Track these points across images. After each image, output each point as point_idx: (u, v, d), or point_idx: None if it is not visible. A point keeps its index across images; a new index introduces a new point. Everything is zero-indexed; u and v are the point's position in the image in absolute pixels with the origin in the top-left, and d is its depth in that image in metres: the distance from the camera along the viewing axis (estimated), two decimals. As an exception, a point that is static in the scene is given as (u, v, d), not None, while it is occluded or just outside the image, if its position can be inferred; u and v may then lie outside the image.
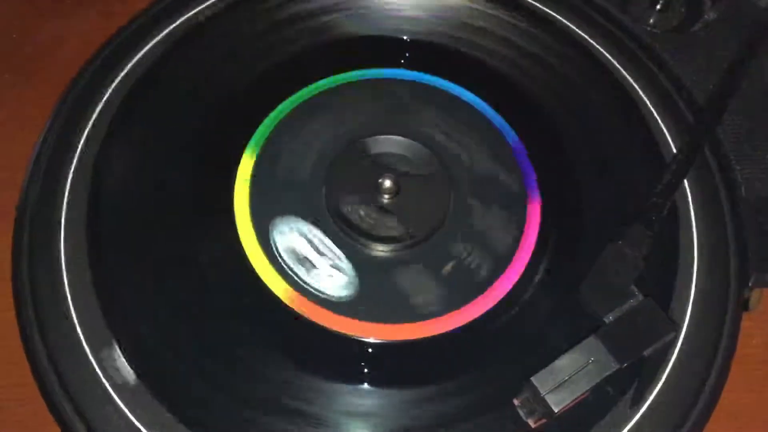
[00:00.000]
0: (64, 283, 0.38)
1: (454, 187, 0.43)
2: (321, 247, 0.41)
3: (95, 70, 0.44)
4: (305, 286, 0.40)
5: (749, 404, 0.41)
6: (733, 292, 0.41)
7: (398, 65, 0.47)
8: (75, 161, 0.41)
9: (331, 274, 0.40)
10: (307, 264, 0.40)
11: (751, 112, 0.46)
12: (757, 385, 0.42)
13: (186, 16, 0.46)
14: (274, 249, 0.40)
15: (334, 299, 0.39)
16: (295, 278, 0.40)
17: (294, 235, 0.41)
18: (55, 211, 0.40)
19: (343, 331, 0.39)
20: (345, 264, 0.40)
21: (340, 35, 0.48)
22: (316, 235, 0.41)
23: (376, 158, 0.44)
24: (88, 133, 0.42)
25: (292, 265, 0.40)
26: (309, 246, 0.41)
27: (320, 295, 0.39)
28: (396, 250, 0.41)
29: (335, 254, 0.40)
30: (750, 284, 0.42)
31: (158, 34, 0.46)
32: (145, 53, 0.45)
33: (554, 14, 0.49)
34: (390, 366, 0.38)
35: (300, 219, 0.41)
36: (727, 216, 0.43)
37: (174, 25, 0.46)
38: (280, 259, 0.40)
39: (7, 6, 0.51)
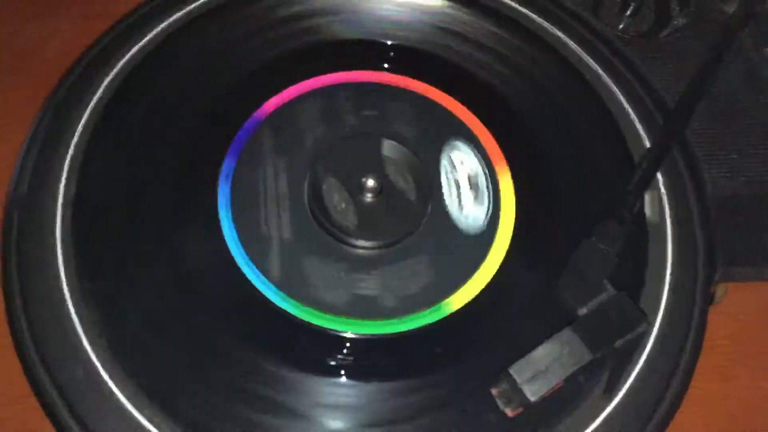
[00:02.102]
0: (60, 279, 0.39)
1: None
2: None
3: (83, 70, 0.45)
4: None
5: (716, 393, 0.43)
6: (701, 286, 0.42)
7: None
8: (64, 160, 0.42)
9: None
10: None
11: (718, 114, 0.48)
12: (723, 375, 0.43)
13: (174, 17, 0.47)
14: None
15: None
16: None
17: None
18: (43, 210, 0.40)
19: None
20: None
21: (328, 38, 0.49)
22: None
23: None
24: (77, 132, 0.43)
25: None
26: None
27: None
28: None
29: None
30: (716, 278, 0.43)
31: (146, 34, 0.46)
32: (134, 54, 0.46)
33: (528, 15, 0.50)
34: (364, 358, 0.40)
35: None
36: (695, 212, 0.44)
37: (162, 26, 0.47)
38: None
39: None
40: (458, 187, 0.42)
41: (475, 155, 0.42)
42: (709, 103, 0.48)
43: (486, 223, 0.42)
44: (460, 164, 0.42)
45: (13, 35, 0.51)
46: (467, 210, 0.41)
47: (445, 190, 0.42)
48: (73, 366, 0.37)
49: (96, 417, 0.36)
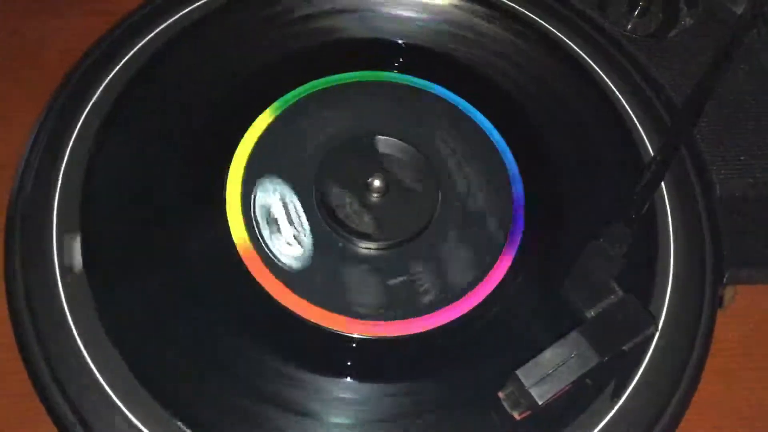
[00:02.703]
0: (57, 282, 0.38)
1: (440, 209, 0.43)
2: (293, 217, 0.42)
3: (87, 68, 0.44)
4: (263, 244, 0.41)
5: (724, 397, 0.43)
6: (709, 289, 0.42)
7: (422, 74, 0.48)
8: (66, 158, 0.42)
9: (290, 243, 0.41)
10: (273, 226, 0.41)
11: (726, 115, 0.48)
12: (731, 378, 0.43)
13: (181, 13, 0.47)
14: (251, 200, 0.42)
15: (281, 265, 0.40)
16: (258, 233, 0.41)
17: (274, 197, 0.42)
18: (47, 209, 0.40)
19: (283, 302, 0.40)
20: (307, 239, 0.41)
21: (341, 37, 0.49)
22: (295, 205, 0.42)
23: (380, 157, 0.45)
24: (80, 130, 0.43)
25: (260, 220, 0.41)
26: (283, 211, 0.42)
27: (271, 256, 0.41)
28: (360, 246, 0.42)
29: (303, 228, 0.41)
30: (725, 281, 0.43)
31: (149, 33, 0.46)
32: (137, 51, 0.45)
33: (535, 15, 0.50)
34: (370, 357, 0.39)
35: (288, 186, 0.43)
36: (702, 215, 0.44)
37: (168, 22, 0.46)
38: (251, 211, 0.42)
39: (-5, 4, 0.52)
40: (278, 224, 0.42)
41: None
42: (717, 104, 0.48)
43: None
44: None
45: (16, 33, 0.51)
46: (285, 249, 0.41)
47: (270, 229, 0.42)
48: (75, 365, 0.37)
49: (96, 416, 0.36)
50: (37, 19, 0.51)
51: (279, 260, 0.41)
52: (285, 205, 0.42)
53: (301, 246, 0.41)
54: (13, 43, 0.51)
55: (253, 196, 0.42)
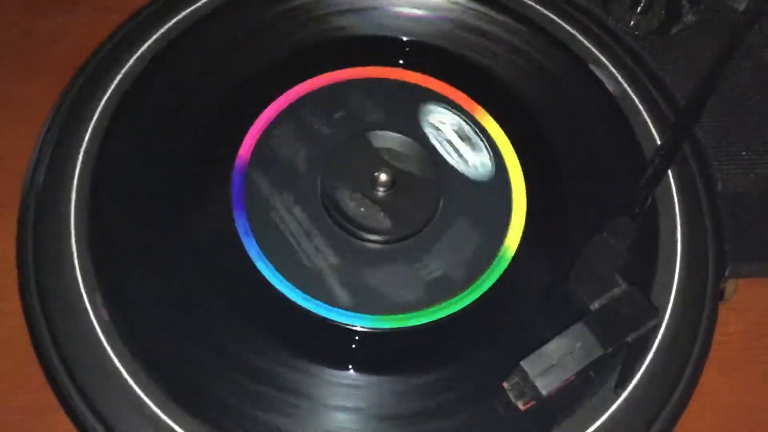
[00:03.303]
0: (75, 271, 0.39)
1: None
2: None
3: (98, 62, 0.45)
4: None
5: (725, 389, 0.43)
6: (711, 282, 0.42)
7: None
8: (79, 153, 0.42)
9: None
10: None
11: (728, 111, 0.48)
12: (734, 370, 0.43)
13: (190, 9, 0.47)
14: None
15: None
16: None
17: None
18: (59, 202, 0.41)
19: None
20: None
21: (344, 35, 0.49)
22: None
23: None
24: (93, 123, 0.43)
25: None
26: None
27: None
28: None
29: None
30: (726, 275, 0.43)
31: (160, 28, 0.46)
32: (145, 50, 0.46)
33: (537, 10, 0.50)
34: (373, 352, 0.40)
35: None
36: (705, 209, 0.44)
37: (176, 19, 0.47)
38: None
39: (5, 2, 0.52)
40: (452, 144, 0.42)
41: (448, 110, 0.42)
42: (719, 100, 0.48)
43: (493, 163, 0.43)
44: (441, 124, 0.43)
45: (30, 29, 0.51)
46: (472, 161, 0.41)
47: (443, 153, 0.42)
48: (90, 359, 0.37)
49: (111, 409, 0.37)
50: (47, 17, 0.52)
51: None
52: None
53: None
54: (23, 41, 0.51)
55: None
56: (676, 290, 0.42)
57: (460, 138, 0.42)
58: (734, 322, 0.45)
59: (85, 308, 0.38)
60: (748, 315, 0.45)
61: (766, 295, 0.46)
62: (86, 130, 0.43)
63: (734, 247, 0.44)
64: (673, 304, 0.41)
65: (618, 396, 0.39)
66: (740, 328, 0.45)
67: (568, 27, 0.50)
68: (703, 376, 0.41)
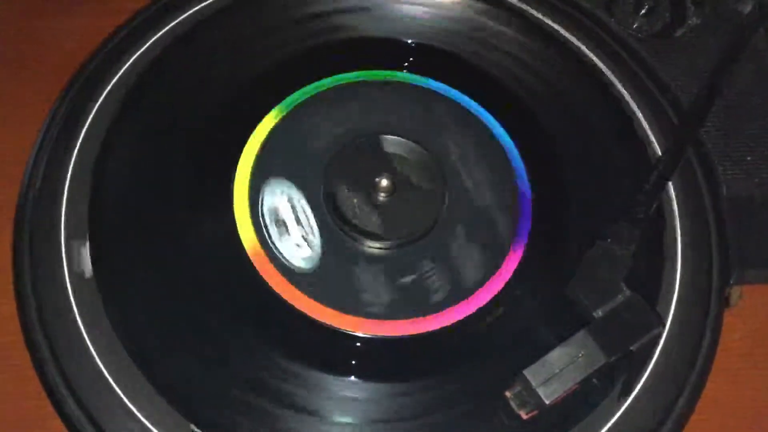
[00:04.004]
0: (65, 276, 0.39)
1: (447, 207, 0.43)
2: (301, 218, 0.42)
3: (97, 64, 0.45)
4: (272, 245, 0.41)
5: (731, 397, 0.43)
6: (716, 289, 0.42)
7: (429, 73, 0.48)
8: (76, 154, 0.42)
9: (299, 244, 0.41)
10: (282, 227, 0.42)
11: (733, 115, 0.48)
12: (738, 378, 0.43)
13: (191, 11, 0.47)
14: (259, 202, 0.42)
15: (291, 267, 0.41)
16: (266, 236, 0.41)
17: (282, 198, 0.42)
18: (56, 205, 0.40)
19: (294, 303, 0.40)
20: (316, 240, 0.41)
21: (348, 36, 0.48)
22: (303, 206, 0.42)
23: (386, 156, 0.45)
24: (88, 127, 0.43)
25: (268, 223, 0.41)
26: (291, 212, 0.42)
27: (281, 258, 0.41)
28: (369, 246, 0.42)
29: (311, 228, 0.42)
30: (731, 281, 0.43)
31: (159, 31, 0.46)
32: (142, 53, 0.45)
33: (541, 13, 0.50)
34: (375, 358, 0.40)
35: (294, 186, 0.43)
36: (709, 214, 0.44)
37: (174, 22, 0.46)
38: (259, 213, 0.42)
39: (4, 3, 0.51)
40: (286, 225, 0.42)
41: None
42: (724, 104, 0.48)
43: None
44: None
45: (29, 31, 0.51)
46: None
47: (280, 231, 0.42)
48: (84, 363, 0.37)
49: (104, 413, 0.36)
50: (44, 19, 0.51)
51: (288, 262, 0.41)
52: (293, 207, 0.42)
53: (311, 247, 0.41)
54: (22, 43, 0.51)
55: (260, 198, 0.42)
56: (681, 297, 0.41)
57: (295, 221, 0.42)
58: (739, 329, 0.44)
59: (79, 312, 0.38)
60: (754, 321, 0.45)
61: (771, 302, 0.45)
62: (82, 134, 0.42)
63: (739, 252, 0.44)
64: (678, 311, 0.41)
65: (622, 404, 0.38)
66: (745, 334, 0.44)
67: (572, 30, 0.49)
68: (708, 383, 0.40)
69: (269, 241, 0.41)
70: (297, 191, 0.43)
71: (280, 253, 0.41)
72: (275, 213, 0.42)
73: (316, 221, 0.42)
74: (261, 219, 0.42)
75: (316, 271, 0.41)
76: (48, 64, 0.49)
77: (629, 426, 0.38)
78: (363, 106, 0.46)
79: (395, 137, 0.45)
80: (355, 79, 0.47)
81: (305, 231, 0.42)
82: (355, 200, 0.43)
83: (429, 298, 0.41)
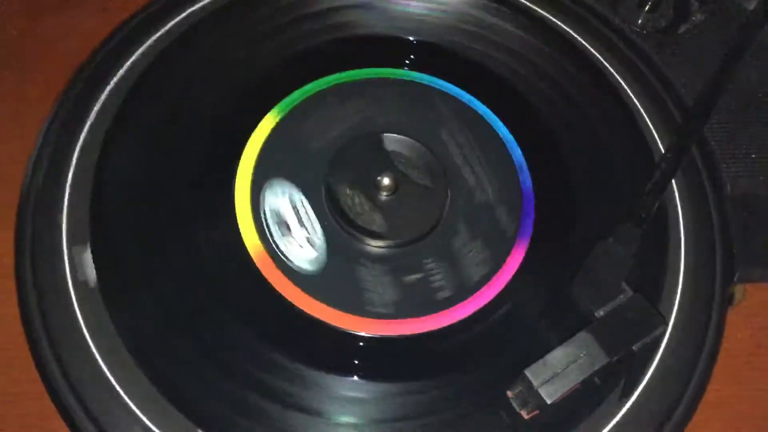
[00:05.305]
0: (66, 277, 0.39)
1: (449, 205, 0.43)
2: (304, 219, 0.42)
3: (100, 62, 0.44)
4: (275, 248, 0.41)
5: (734, 396, 0.42)
6: (719, 287, 0.42)
7: (430, 70, 0.48)
8: (77, 154, 0.42)
9: (303, 246, 0.41)
10: (284, 228, 0.41)
11: (736, 112, 0.48)
12: (742, 377, 0.43)
13: (190, 11, 0.47)
14: (260, 205, 0.42)
15: (296, 269, 0.40)
16: (270, 238, 0.41)
17: (284, 199, 0.42)
18: (57, 205, 0.40)
19: (299, 305, 0.40)
20: (320, 241, 0.41)
21: (348, 35, 0.48)
22: (305, 206, 0.42)
23: (388, 154, 0.44)
24: (91, 126, 0.43)
25: (270, 225, 0.41)
26: (293, 213, 0.42)
27: (286, 261, 0.40)
28: (371, 246, 0.42)
29: (314, 229, 0.41)
30: (735, 279, 0.43)
31: (160, 29, 0.46)
32: (148, 47, 0.45)
33: (545, 10, 0.50)
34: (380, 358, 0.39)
35: (296, 187, 0.42)
36: (713, 213, 0.44)
37: (175, 20, 0.46)
38: (262, 216, 0.41)
39: (5, 3, 0.51)
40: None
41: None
42: (728, 101, 0.47)
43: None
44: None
45: (33, 29, 0.51)
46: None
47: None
48: (85, 363, 0.37)
49: (106, 413, 0.36)
50: (45, 18, 0.51)
51: (292, 263, 0.41)
52: (295, 208, 0.42)
53: (314, 248, 0.41)
54: (24, 42, 0.51)
55: (262, 200, 0.42)
56: (684, 296, 0.41)
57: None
58: (742, 328, 0.44)
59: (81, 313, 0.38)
60: (757, 320, 0.44)
61: (775, 300, 0.45)
62: (82, 135, 0.42)
63: (743, 251, 0.43)
64: (680, 310, 0.41)
65: (624, 404, 0.38)
66: (748, 333, 0.44)
67: (575, 26, 0.49)
68: (710, 383, 0.40)
69: (272, 243, 0.41)
70: (298, 192, 0.43)
71: (284, 255, 0.41)
72: (277, 214, 0.42)
73: (319, 222, 0.42)
74: (263, 220, 0.42)
75: (319, 273, 0.41)
76: (53, 61, 0.49)
77: (631, 426, 0.38)
78: (364, 104, 0.46)
79: (397, 135, 0.45)
80: (355, 78, 0.47)
81: (308, 232, 0.42)
82: (357, 199, 0.43)
83: (432, 296, 0.40)
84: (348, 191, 0.43)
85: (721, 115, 0.47)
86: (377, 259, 0.41)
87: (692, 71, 0.49)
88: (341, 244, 0.42)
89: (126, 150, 0.42)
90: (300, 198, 0.42)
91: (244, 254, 0.41)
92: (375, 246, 0.42)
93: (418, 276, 0.41)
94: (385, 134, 0.45)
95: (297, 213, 0.42)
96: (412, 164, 0.44)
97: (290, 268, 0.40)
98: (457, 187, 0.44)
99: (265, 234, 0.41)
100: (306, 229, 0.42)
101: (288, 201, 0.42)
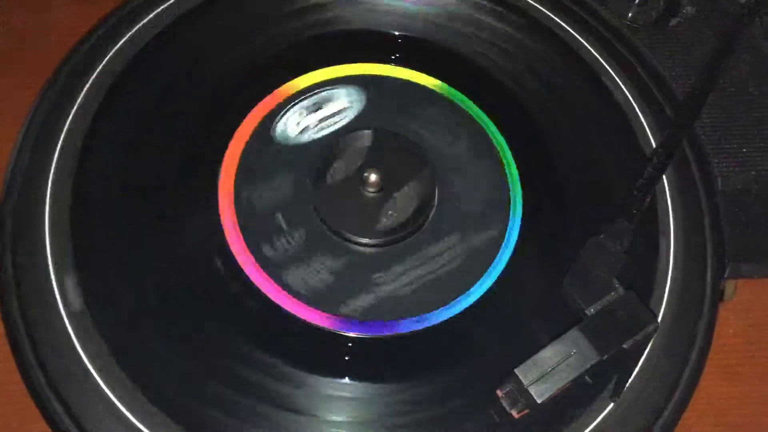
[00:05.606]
0: (50, 273, 0.38)
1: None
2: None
3: (81, 57, 0.44)
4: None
5: (725, 392, 0.42)
6: (710, 283, 0.42)
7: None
8: (58, 150, 0.41)
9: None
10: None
11: (728, 107, 0.47)
12: (732, 373, 0.43)
13: (170, 3, 0.46)
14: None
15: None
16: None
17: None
18: (39, 203, 0.40)
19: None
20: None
21: (334, 30, 0.48)
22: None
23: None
24: (71, 122, 0.42)
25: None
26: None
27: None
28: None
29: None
30: (726, 275, 0.43)
31: (143, 21, 0.45)
32: (130, 39, 0.45)
33: (535, 7, 0.49)
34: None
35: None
36: (704, 208, 0.43)
37: (156, 11, 0.46)
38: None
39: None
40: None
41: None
42: (719, 95, 0.47)
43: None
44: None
45: (9, 23, 0.50)
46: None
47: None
48: (70, 366, 0.37)
49: (90, 416, 0.36)
50: (27, 12, 0.50)
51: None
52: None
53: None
54: (8, 32, 0.50)
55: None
56: (675, 291, 0.41)
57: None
58: (733, 324, 0.44)
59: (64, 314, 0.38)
60: (748, 316, 0.44)
61: (766, 296, 0.45)
62: (63, 133, 0.42)
63: (734, 246, 0.43)
64: (671, 306, 0.41)
65: (614, 402, 0.38)
66: (740, 329, 0.44)
67: (565, 20, 0.49)
68: (702, 379, 0.40)
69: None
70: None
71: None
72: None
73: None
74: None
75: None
76: (31, 56, 0.49)
77: (623, 423, 0.38)
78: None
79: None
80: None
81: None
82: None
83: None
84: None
85: (712, 110, 0.47)
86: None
87: (683, 64, 0.48)
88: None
89: (106, 149, 0.42)
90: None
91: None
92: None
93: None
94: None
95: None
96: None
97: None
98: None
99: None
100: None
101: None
